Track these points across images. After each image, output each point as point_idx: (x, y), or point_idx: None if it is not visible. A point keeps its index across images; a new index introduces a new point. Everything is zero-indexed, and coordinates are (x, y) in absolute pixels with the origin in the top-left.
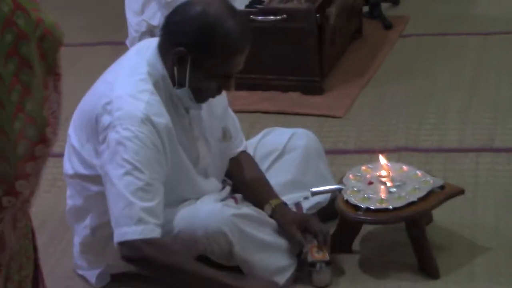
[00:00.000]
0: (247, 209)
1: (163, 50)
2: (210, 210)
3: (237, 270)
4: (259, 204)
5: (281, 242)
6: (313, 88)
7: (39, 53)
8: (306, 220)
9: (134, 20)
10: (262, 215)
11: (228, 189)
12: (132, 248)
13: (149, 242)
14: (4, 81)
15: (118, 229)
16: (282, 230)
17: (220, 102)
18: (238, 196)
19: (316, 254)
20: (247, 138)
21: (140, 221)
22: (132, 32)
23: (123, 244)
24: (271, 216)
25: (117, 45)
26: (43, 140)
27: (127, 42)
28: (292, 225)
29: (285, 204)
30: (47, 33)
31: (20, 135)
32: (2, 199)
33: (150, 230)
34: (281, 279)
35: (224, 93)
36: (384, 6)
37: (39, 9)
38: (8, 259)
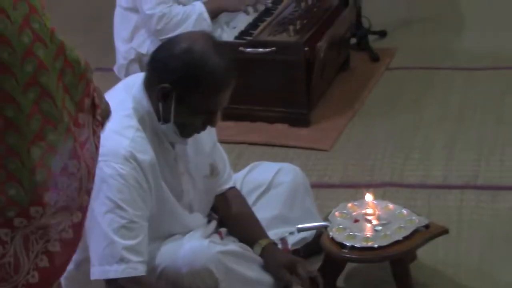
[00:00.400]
0: (233, 245)
1: (149, 85)
2: (196, 246)
3: None
4: (246, 241)
5: (267, 278)
6: (300, 120)
7: (62, 86)
8: (294, 262)
9: (123, 48)
10: (248, 251)
11: (214, 223)
12: (117, 286)
13: (133, 281)
14: (22, 109)
15: (100, 267)
16: (269, 270)
17: (209, 138)
18: (223, 230)
19: None
20: (233, 169)
21: (122, 260)
22: (120, 59)
23: (108, 282)
24: (260, 255)
25: (105, 71)
26: (65, 173)
27: (115, 69)
28: (281, 267)
29: (274, 243)
30: (67, 66)
31: (40, 163)
32: (14, 219)
33: (132, 269)
34: None
35: (213, 129)
36: (371, 38)
37: (59, 43)
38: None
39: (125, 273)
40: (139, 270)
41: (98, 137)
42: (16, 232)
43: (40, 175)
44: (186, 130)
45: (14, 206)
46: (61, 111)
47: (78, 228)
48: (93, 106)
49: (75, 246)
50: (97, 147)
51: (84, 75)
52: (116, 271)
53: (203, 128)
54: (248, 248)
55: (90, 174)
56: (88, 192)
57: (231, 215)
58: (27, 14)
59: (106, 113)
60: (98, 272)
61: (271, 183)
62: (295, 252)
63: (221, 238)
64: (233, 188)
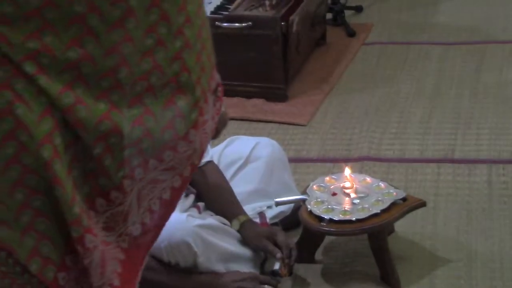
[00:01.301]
0: (211, 219)
1: None
2: (174, 220)
3: None
4: (224, 216)
5: (245, 251)
6: (277, 95)
7: (200, 64)
8: (273, 233)
9: None
10: (227, 225)
11: (191, 197)
12: None
13: None
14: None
15: None
16: (249, 243)
17: None
18: (201, 204)
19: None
20: (211, 143)
21: None
22: None
23: None
24: (238, 231)
25: None
26: (186, 138)
27: None
28: (262, 238)
29: (251, 220)
30: (205, 44)
31: (169, 123)
32: (136, 169)
33: None
34: None
35: None
36: (347, 13)
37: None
38: None
39: None
40: None
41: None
42: (135, 184)
43: (167, 134)
44: None
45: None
46: (193, 84)
47: (176, 193)
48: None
49: (169, 212)
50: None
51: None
52: None
53: None
54: (226, 222)
55: (200, 151)
56: (193, 166)
57: (209, 190)
58: None
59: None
60: None
61: (249, 157)
62: (273, 225)
63: (199, 212)
64: (210, 162)
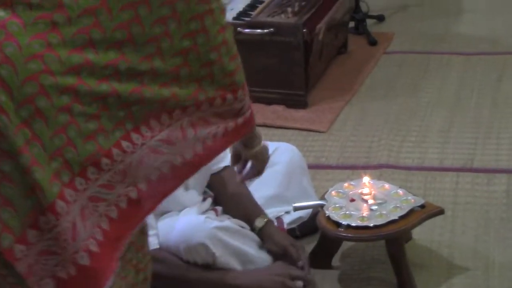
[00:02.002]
0: (229, 222)
1: None
2: (192, 222)
3: None
4: (244, 218)
5: (265, 256)
6: (298, 101)
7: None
8: (295, 242)
9: None
10: (245, 228)
11: (209, 201)
12: None
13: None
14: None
15: None
16: (269, 244)
17: None
18: (219, 208)
19: None
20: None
21: None
22: None
23: None
24: (260, 230)
25: None
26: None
27: None
28: (285, 242)
29: (273, 223)
30: None
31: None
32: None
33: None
34: None
35: None
36: (369, 22)
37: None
38: None
39: None
40: (153, 243)
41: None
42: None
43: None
44: None
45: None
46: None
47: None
48: None
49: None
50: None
51: None
52: None
53: None
54: (245, 225)
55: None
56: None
57: (227, 195)
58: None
59: None
60: None
61: (269, 162)
62: (291, 231)
63: (217, 215)
64: (228, 167)
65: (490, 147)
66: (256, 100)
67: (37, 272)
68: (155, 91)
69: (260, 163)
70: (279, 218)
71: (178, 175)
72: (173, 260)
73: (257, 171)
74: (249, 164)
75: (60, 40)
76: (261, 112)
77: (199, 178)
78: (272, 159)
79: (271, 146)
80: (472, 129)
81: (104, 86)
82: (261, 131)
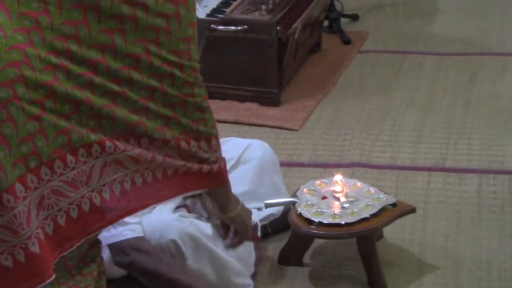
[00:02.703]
0: (204, 224)
1: None
2: (164, 221)
3: None
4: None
5: (236, 261)
6: (271, 99)
7: None
8: None
9: None
10: (219, 232)
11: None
12: (122, 253)
13: (136, 248)
14: None
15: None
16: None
17: None
18: (189, 202)
19: None
20: None
21: (119, 223)
22: None
23: (112, 247)
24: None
25: None
26: None
27: None
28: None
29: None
30: None
31: None
32: None
33: (130, 230)
34: None
35: None
36: (343, 21)
37: None
38: None
39: (123, 235)
40: (138, 231)
41: None
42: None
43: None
44: None
45: None
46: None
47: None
48: None
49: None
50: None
51: None
52: (116, 235)
53: None
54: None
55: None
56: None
57: None
58: None
59: None
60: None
61: (240, 159)
62: (262, 227)
63: (189, 211)
64: None
65: (462, 147)
66: (230, 97)
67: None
68: (125, 114)
69: (241, 228)
70: (254, 226)
71: (139, 196)
72: (156, 253)
73: (239, 236)
74: (231, 230)
75: (41, 39)
76: (234, 109)
77: None
78: (244, 156)
79: (244, 143)
80: (444, 129)
81: (78, 93)
82: (234, 128)
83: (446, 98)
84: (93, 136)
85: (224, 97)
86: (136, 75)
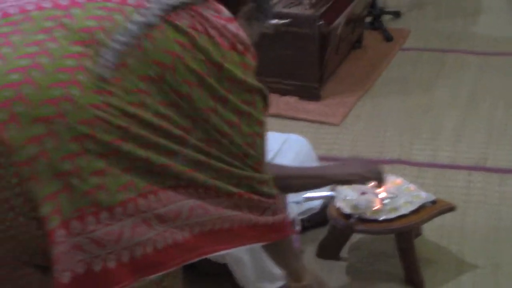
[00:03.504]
0: None
1: None
2: None
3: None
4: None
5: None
6: (311, 94)
7: None
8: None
9: None
10: None
11: None
12: None
13: None
14: None
15: None
16: None
17: None
18: None
19: None
20: None
21: None
22: None
23: None
24: None
25: None
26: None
27: None
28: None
29: None
30: None
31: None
32: None
33: None
34: (271, 287)
35: None
36: (385, 18)
37: None
38: None
39: None
40: None
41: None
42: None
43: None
44: None
45: None
46: None
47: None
48: None
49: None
50: None
51: None
52: None
53: None
54: None
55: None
56: None
57: None
58: None
59: None
60: None
61: (278, 153)
62: (301, 222)
63: None
64: None
65: (503, 147)
66: (270, 90)
67: (64, 262)
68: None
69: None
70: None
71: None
72: None
73: None
74: None
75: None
76: (274, 103)
77: None
78: (282, 150)
79: (282, 137)
80: (486, 129)
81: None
82: (273, 122)
83: (488, 98)
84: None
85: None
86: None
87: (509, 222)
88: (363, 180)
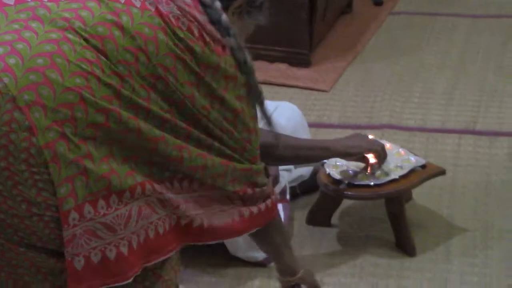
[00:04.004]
0: None
1: None
2: None
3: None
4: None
5: None
6: (301, 60)
7: None
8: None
9: None
10: None
11: None
12: None
13: None
14: None
15: None
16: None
17: None
18: None
19: None
20: None
21: None
22: None
23: None
24: None
25: None
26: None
27: None
28: None
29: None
30: None
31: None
32: None
33: None
34: (262, 255)
35: None
36: None
37: None
38: None
39: None
40: None
41: None
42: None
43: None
44: None
45: None
46: None
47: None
48: None
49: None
50: None
51: None
52: None
53: None
54: None
55: None
56: None
57: None
58: None
59: None
60: None
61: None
62: (291, 189)
63: None
64: None
65: (493, 110)
66: (259, 57)
67: (75, 246)
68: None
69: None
70: (282, 190)
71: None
72: None
73: None
74: None
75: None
76: (263, 70)
77: None
78: (272, 117)
79: (272, 105)
80: (476, 92)
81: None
82: (264, 88)
83: (478, 61)
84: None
85: (254, 57)
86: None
87: (499, 184)
88: (365, 152)
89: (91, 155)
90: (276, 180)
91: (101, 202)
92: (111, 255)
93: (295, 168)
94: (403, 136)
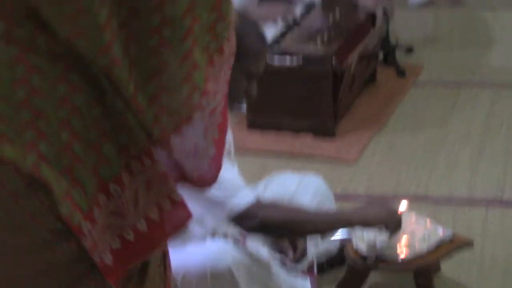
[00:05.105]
0: (260, 251)
1: None
2: (220, 248)
3: None
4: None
5: None
6: (326, 131)
7: None
8: None
9: None
10: (275, 261)
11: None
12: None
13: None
14: None
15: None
16: None
17: None
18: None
19: None
20: (258, 178)
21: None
22: None
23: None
24: None
25: None
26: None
27: None
28: None
29: None
30: None
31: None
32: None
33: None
34: None
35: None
36: (398, 53)
37: None
38: None
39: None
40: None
41: None
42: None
43: None
44: None
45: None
46: None
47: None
48: None
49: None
50: None
51: None
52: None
53: None
54: (277, 256)
55: None
56: None
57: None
58: None
59: None
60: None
61: (295, 194)
62: (319, 264)
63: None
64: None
65: None
66: (284, 128)
67: (99, 247)
68: None
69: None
70: (310, 270)
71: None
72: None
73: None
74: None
75: None
76: (288, 141)
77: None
78: (298, 191)
79: (298, 177)
80: (501, 162)
81: None
82: (289, 160)
83: (503, 131)
84: None
85: (279, 128)
86: None
87: None
88: (385, 226)
89: None
90: (303, 253)
91: (101, 196)
92: (130, 237)
93: (322, 240)
94: (430, 207)
